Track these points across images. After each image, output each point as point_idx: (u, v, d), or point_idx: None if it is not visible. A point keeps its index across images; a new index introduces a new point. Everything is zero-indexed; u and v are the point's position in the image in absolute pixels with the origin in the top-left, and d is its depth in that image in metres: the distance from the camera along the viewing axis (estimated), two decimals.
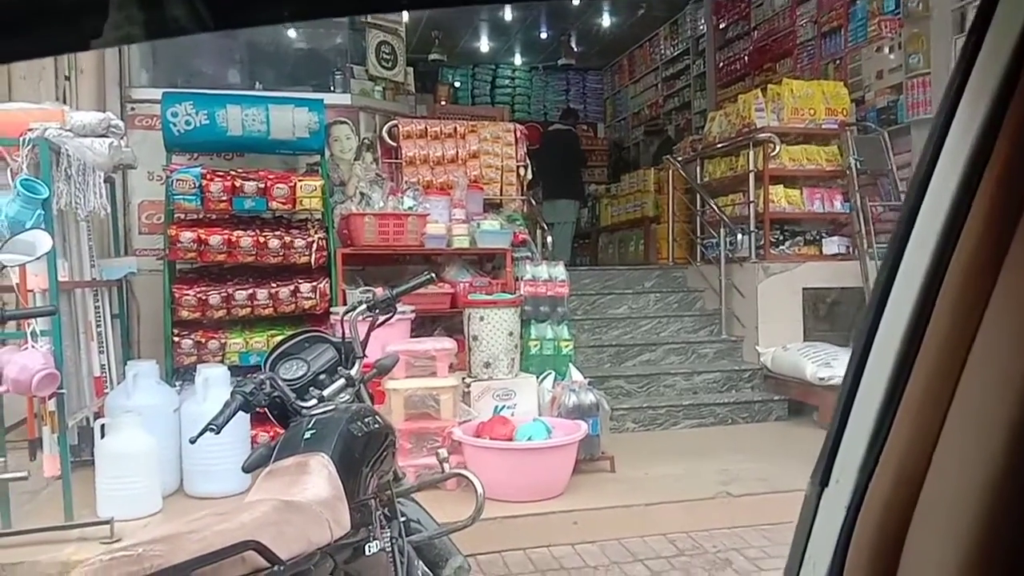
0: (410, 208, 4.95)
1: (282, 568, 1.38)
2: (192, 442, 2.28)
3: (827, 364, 5.20)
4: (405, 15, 7.18)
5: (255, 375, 2.13)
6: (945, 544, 0.52)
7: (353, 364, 2.28)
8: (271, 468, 1.89)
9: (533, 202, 6.62)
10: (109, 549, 1.27)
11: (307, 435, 1.94)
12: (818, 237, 6.27)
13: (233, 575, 1.32)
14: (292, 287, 4.61)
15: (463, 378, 4.37)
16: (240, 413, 2.06)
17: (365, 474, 1.97)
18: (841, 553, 0.59)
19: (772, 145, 6.05)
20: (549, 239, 6.26)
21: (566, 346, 4.72)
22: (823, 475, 0.62)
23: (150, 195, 5.15)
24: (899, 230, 0.59)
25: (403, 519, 2.25)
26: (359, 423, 2.03)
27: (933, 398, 0.53)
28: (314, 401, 2.12)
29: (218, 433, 1.99)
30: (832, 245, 6.19)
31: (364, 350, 2.35)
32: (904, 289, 0.57)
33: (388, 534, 2.10)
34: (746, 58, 9.09)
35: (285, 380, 2.17)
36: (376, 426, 2.09)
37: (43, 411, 3.49)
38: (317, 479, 1.77)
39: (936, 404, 0.53)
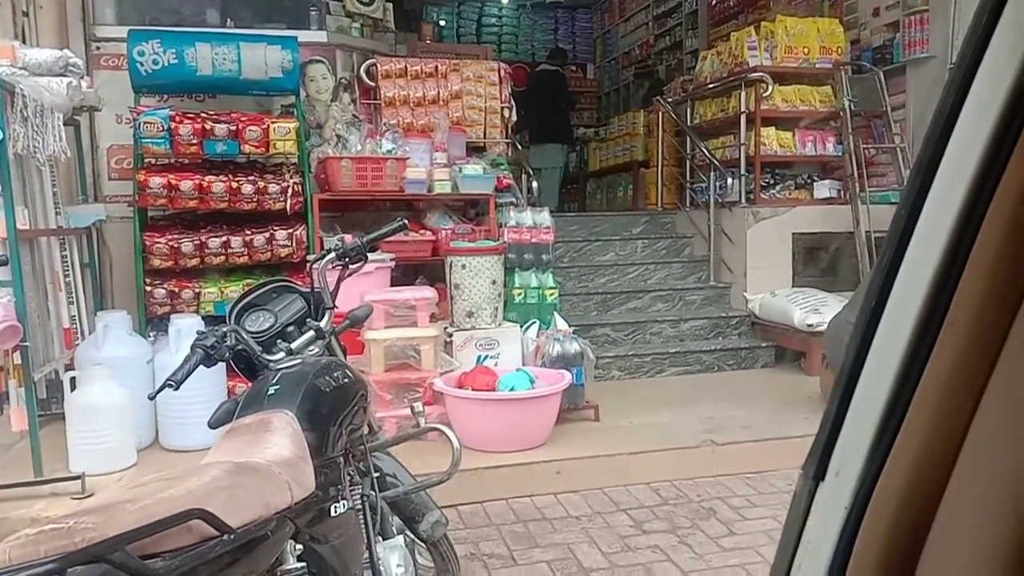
0: (389, 151, 4.78)
1: (232, 536, 1.28)
2: (151, 398, 2.19)
3: (815, 310, 5.13)
4: None
5: (218, 327, 2.01)
6: (974, 555, 0.41)
7: (323, 315, 2.18)
8: (232, 426, 1.79)
9: (519, 146, 6.43)
10: (37, 522, 1.17)
11: (271, 391, 1.84)
12: (809, 180, 6.14)
13: (179, 545, 1.23)
14: (267, 234, 4.46)
15: (445, 328, 4.27)
16: (217, 364, 1.96)
17: (333, 431, 1.88)
18: (840, 560, 0.48)
19: (765, 85, 5.88)
20: (535, 184, 6.10)
21: (551, 294, 4.62)
22: (818, 467, 0.51)
23: (119, 139, 4.94)
24: (918, 179, 0.47)
25: (377, 474, 2.17)
26: (327, 378, 1.93)
27: (962, 381, 0.42)
28: (281, 355, 2.02)
29: (176, 388, 1.89)
30: (823, 189, 6.07)
31: (334, 300, 2.24)
32: (924, 247, 0.46)
33: (359, 491, 2.02)
34: None
35: (250, 332, 2.06)
36: (346, 380, 1.99)
37: (8, 364, 3.38)
38: (279, 438, 1.68)
39: (965, 388, 0.42)
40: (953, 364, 0.43)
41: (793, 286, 5.71)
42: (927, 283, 0.45)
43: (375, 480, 2.10)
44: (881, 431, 0.46)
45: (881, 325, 0.48)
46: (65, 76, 3.69)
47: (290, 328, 2.13)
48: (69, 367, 3.86)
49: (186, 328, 3.82)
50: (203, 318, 4.11)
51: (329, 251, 2.35)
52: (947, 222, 0.44)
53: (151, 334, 4.34)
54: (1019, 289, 0.41)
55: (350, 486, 1.95)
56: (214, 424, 1.99)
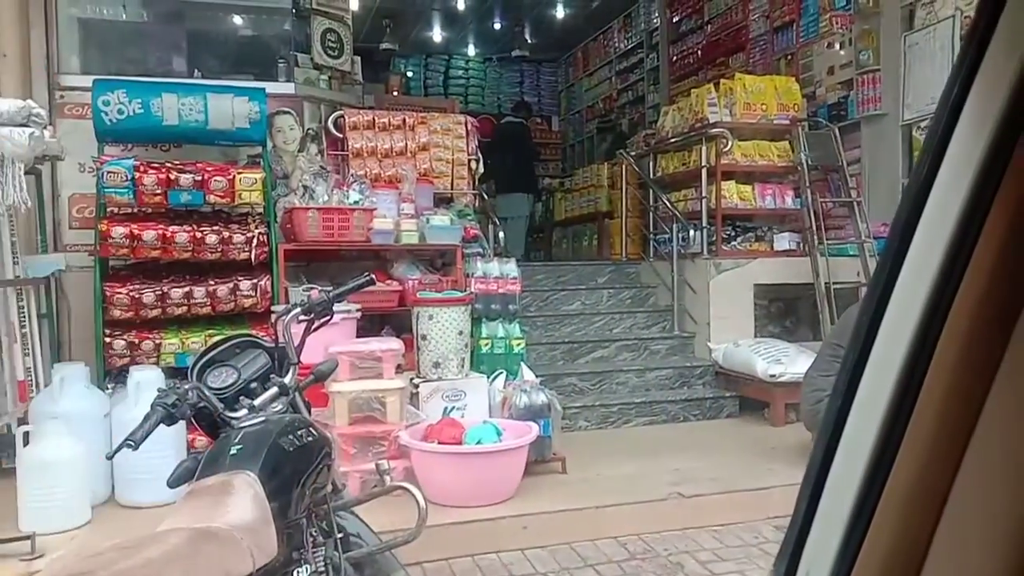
0: (356, 202, 4.79)
1: None
2: (108, 458, 2.15)
3: (778, 361, 5.20)
4: (354, 2, 7.00)
5: (179, 384, 1.98)
6: None
7: (287, 371, 2.15)
8: (192, 488, 1.75)
9: (485, 196, 6.49)
10: None
11: (233, 451, 1.81)
12: (769, 233, 6.28)
13: None
14: (231, 285, 4.42)
15: (411, 379, 4.24)
16: (179, 422, 1.93)
17: (296, 492, 1.85)
18: None
19: (724, 140, 6.03)
20: (501, 235, 6.14)
21: (518, 345, 4.63)
22: (787, 569, 0.51)
23: (81, 188, 4.89)
24: (894, 246, 0.49)
25: (341, 535, 2.13)
26: (290, 436, 1.90)
27: (932, 469, 0.43)
28: (244, 411, 1.99)
29: (135, 449, 1.85)
30: (783, 241, 6.20)
31: (299, 355, 2.22)
32: (898, 319, 0.47)
33: (323, 552, 1.98)
34: (699, 52, 9.09)
35: (213, 389, 2.03)
36: (310, 438, 1.97)
37: None
38: (241, 501, 1.64)
39: (934, 481, 0.43)
40: (926, 448, 0.44)
41: (755, 336, 5.79)
42: (902, 355, 0.46)
43: (339, 541, 2.06)
44: (851, 527, 0.46)
45: (855, 405, 0.49)
46: (27, 126, 3.65)
47: (253, 384, 2.10)
48: (23, 421, 3.74)
49: (146, 381, 3.74)
50: (164, 370, 4.03)
51: (295, 305, 2.34)
52: (930, 272, 0.45)
53: (109, 386, 4.24)
54: (984, 384, 0.42)
55: (313, 547, 1.91)
56: (173, 483, 1.94)
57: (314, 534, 1.96)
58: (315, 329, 2.37)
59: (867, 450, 0.46)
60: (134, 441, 1.85)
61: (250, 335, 2.27)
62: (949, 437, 0.43)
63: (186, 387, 1.95)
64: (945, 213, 0.45)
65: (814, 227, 5.77)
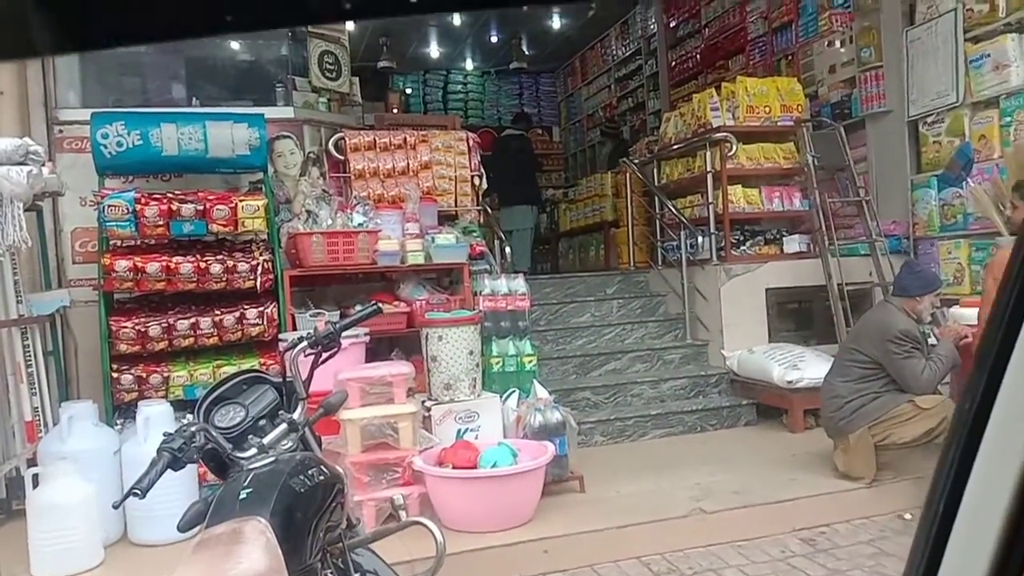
0: (360, 224, 4.74)
1: None
2: (115, 507, 2.10)
3: (794, 366, 5.11)
4: (350, 23, 6.97)
5: (186, 426, 1.93)
6: None
7: (296, 406, 2.10)
8: (202, 538, 1.69)
9: (488, 210, 6.44)
10: None
11: (243, 495, 1.75)
12: (778, 236, 6.20)
13: None
14: (237, 314, 4.36)
15: (423, 401, 4.18)
16: (187, 466, 1.89)
17: (309, 535, 1.79)
18: None
19: (729, 144, 5.97)
20: (507, 249, 6.08)
21: (529, 362, 4.56)
22: None
23: (83, 222, 4.86)
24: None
25: (357, 574, 2.07)
26: (301, 476, 1.84)
27: None
28: (253, 451, 1.93)
29: (142, 497, 1.81)
30: (793, 244, 6.13)
31: (308, 389, 2.16)
32: None
33: None
34: (698, 56, 9.04)
35: (220, 429, 1.98)
36: (321, 477, 1.91)
37: None
38: (252, 550, 1.58)
39: None
40: None
41: (769, 341, 5.71)
42: None
43: None
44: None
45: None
46: (25, 164, 3.62)
47: (262, 421, 2.05)
48: (32, 462, 3.69)
49: (155, 416, 3.69)
50: (172, 403, 3.97)
51: (301, 339, 2.29)
52: None
53: (118, 422, 4.19)
54: None
55: None
56: (184, 527, 1.90)
57: (329, 575, 1.91)
58: (323, 362, 2.32)
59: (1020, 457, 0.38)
60: (140, 490, 1.80)
61: (257, 371, 2.22)
62: None
63: (193, 429, 1.90)
64: None
65: (823, 228, 5.69)
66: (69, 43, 0.45)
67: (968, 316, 4.30)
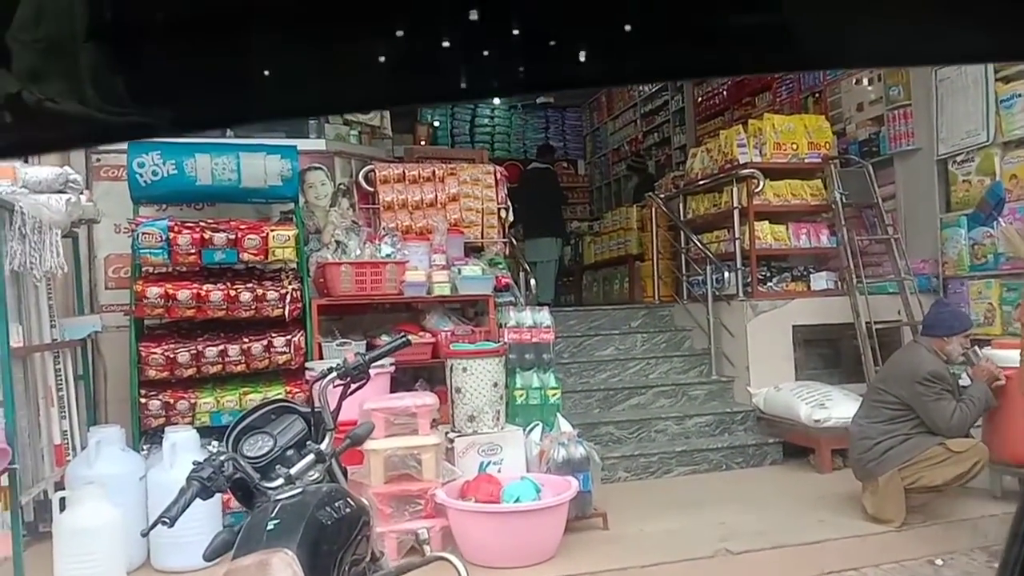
0: (388, 255, 4.79)
1: None
2: (144, 535, 2.12)
3: (821, 405, 5.04)
4: None
5: (214, 455, 1.95)
6: None
7: (323, 437, 2.11)
8: (229, 569, 1.70)
9: (514, 241, 6.47)
10: None
11: (270, 526, 1.76)
12: (806, 273, 6.16)
13: None
14: (265, 341, 4.41)
15: (446, 433, 4.17)
16: (215, 495, 1.91)
17: (335, 568, 1.79)
18: None
19: (756, 181, 5.97)
20: (532, 282, 6.10)
21: (553, 395, 4.54)
22: None
23: (117, 248, 4.95)
24: None
25: None
26: (328, 508, 1.86)
27: None
28: (280, 481, 1.94)
29: (171, 526, 1.83)
30: (820, 280, 6.08)
31: (336, 420, 2.18)
32: None
33: None
34: (724, 93, 9.08)
35: (248, 458, 2.00)
36: (348, 510, 1.92)
37: None
38: None
39: None
40: None
41: (796, 379, 5.65)
42: None
43: None
44: None
45: None
46: (64, 192, 3.71)
47: (290, 451, 2.06)
48: (59, 485, 3.73)
49: (181, 442, 3.72)
50: (198, 429, 4.01)
51: (331, 369, 2.31)
52: None
53: (145, 447, 4.23)
54: None
55: None
56: (209, 556, 1.91)
57: None
58: (351, 393, 2.34)
59: None
60: (169, 518, 1.82)
61: (285, 400, 2.24)
62: None
63: (221, 458, 1.92)
64: None
65: (851, 265, 5.65)
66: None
67: (1005, 358, 4.22)
